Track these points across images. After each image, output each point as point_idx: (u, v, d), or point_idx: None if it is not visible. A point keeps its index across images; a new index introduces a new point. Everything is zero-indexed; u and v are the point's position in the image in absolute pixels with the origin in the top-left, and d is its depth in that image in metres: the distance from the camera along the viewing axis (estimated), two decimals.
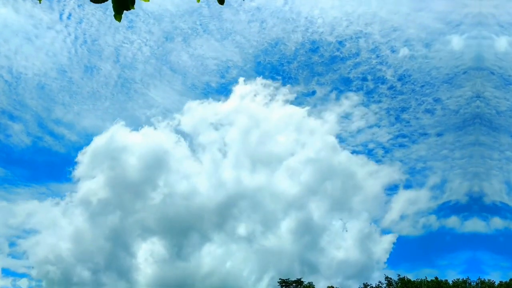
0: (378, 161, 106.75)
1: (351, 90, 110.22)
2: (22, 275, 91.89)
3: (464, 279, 65.92)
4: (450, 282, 66.41)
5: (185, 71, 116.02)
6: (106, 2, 5.56)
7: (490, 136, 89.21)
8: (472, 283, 65.02)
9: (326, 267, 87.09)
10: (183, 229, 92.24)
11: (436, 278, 67.71)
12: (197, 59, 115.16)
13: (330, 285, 74.26)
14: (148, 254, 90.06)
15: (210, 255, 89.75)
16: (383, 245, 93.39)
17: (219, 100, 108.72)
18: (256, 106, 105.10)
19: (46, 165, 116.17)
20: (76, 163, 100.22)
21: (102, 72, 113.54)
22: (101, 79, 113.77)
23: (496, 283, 64.45)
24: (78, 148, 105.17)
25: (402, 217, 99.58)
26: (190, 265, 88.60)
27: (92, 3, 5.49)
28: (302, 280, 74.58)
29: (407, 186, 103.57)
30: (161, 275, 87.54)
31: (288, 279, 74.87)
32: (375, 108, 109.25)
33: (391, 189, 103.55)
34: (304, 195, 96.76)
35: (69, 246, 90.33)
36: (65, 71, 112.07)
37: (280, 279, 75.19)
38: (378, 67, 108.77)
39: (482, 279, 65.72)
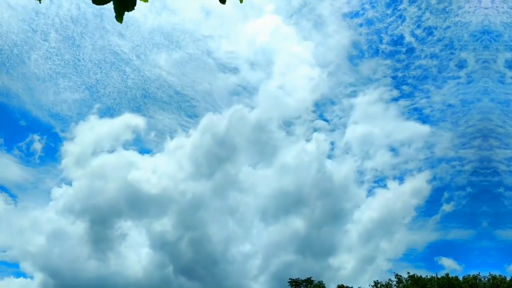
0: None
1: (363, 56, 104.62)
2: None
3: (475, 274, 65.35)
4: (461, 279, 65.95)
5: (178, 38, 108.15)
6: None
7: None
8: (482, 279, 64.42)
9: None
10: None
11: (447, 274, 67.28)
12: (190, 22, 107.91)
13: (340, 284, 74.15)
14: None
15: None
16: None
17: None
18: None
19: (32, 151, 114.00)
20: (62, 152, 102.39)
21: (85, 42, 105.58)
22: (85, 50, 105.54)
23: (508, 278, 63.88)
24: (64, 136, 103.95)
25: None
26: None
27: None
28: (312, 279, 74.89)
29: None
30: None
31: (298, 278, 75.29)
32: (392, 77, 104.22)
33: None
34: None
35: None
36: (46, 41, 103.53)
37: (290, 279, 75.59)
38: (394, 24, 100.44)
39: (493, 275, 65.06)
